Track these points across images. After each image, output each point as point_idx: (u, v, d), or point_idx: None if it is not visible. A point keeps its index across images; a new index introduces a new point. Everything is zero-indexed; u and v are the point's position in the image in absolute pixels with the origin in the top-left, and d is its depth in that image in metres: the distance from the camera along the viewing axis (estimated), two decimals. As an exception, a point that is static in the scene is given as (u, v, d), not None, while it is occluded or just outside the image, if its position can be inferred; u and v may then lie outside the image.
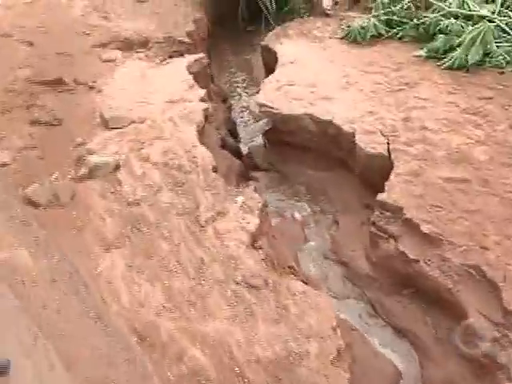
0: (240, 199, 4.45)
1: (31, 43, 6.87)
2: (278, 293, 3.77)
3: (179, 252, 3.98)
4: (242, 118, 7.77)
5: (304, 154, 5.83)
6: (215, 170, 4.87)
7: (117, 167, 4.81)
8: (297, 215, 5.41)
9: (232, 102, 7.98)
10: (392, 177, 4.68)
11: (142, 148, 5.06)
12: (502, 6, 6.69)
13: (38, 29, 7.25)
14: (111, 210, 4.32)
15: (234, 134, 7.02)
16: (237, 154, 6.40)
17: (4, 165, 4.77)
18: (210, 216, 4.26)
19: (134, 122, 5.49)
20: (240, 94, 8.45)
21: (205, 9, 8.63)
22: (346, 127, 5.33)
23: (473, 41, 6.06)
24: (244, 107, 8.04)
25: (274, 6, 9.63)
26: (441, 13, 6.72)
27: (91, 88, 6.16)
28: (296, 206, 5.61)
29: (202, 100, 5.95)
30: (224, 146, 6.15)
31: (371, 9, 7.76)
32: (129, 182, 4.64)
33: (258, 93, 6.27)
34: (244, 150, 6.71)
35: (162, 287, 3.73)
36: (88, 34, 7.28)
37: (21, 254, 3.65)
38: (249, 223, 4.22)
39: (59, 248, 3.90)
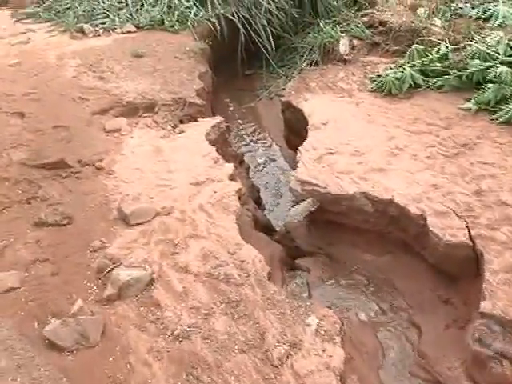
0: (313, 321, 3.59)
1: (22, 114, 6.03)
2: None
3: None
4: (259, 178, 7.01)
5: (357, 235, 5.00)
6: (270, 275, 4.03)
7: (150, 282, 3.94)
8: (363, 316, 4.54)
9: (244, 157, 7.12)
10: (488, 276, 3.85)
11: (175, 252, 4.20)
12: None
13: (29, 96, 6.43)
14: (156, 349, 3.43)
15: (258, 201, 6.19)
16: (268, 229, 5.55)
17: (11, 290, 3.87)
18: (282, 351, 3.38)
19: (158, 214, 4.63)
20: (254, 150, 7.66)
21: (208, 59, 7.81)
22: (412, 208, 4.52)
23: (538, 94, 5.33)
24: (259, 164, 7.30)
25: (273, 46, 8.89)
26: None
27: (99, 169, 5.31)
28: (359, 301, 4.72)
29: (232, 178, 5.12)
30: (256, 223, 5.31)
31: (393, 53, 7.11)
32: (169, 303, 3.77)
33: (294, 168, 5.43)
34: (272, 220, 5.93)
35: None
36: (85, 98, 6.45)
37: None
38: (332, 357, 3.36)
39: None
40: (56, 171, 5.19)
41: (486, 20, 7.12)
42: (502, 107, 5.57)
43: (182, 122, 6.17)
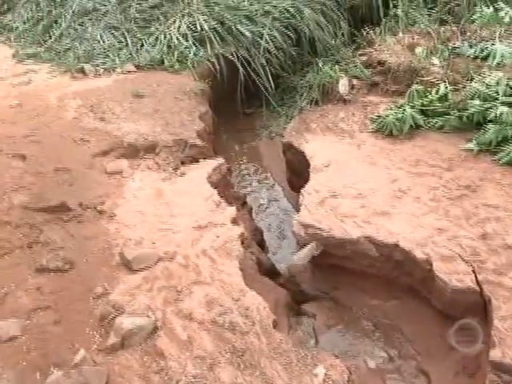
0: (320, 371, 3.53)
1: (23, 157, 6.02)
2: None
3: None
4: (262, 219, 7.01)
5: (363, 280, 4.96)
6: (275, 323, 3.97)
7: (154, 330, 3.88)
8: (371, 363, 4.47)
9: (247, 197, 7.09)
10: (496, 322, 3.80)
11: (179, 299, 4.15)
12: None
13: (29, 138, 6.42)
14: (161, 401, 3.37)
15: (261, 244, 6.15)
16: (272, 272, 5.50)
17: (13, 339, 3.81)
18: (290, 403, 3.33)
19: (161, 259, 4.60)
20: (256, 190, 7.66)
21: (208, 99, 7.81)
22: (418, 252, 4.49)
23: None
24: (262, 205, 7.31)
25: (272, 85, 8.91)
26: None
27: (100, 213, 5.28)
28: (367, 348, 4.65)
29: (234, 221, 5.09)
30: (259, 266, 5.27)
31: (393, 92, 7.10)
32: (173, 352, 3.71)
33: (297, 209, 5.41)
34: (276, 263, 5.88)
35: None
36: (86, 140, 6.44)
37: None
38: (341, 408, 3.31)
39: None
40: (57, 215, 5.16)
41: (484, 59, 7.12)
42: (504, 148, 5.56)
43: (183, 163, 6.14)
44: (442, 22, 8.67)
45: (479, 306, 4.13)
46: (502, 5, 8.30)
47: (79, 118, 6.88)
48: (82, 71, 8.41)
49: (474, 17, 8.24)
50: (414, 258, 4.49)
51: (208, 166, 5.96)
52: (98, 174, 5.87)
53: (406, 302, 4.77)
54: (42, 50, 9.41)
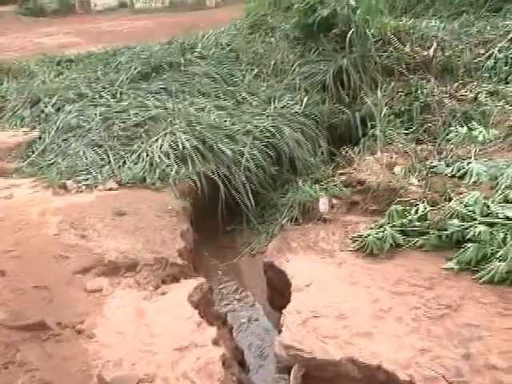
0: None
1: (3, 272, 5.98)
2: None
3: None
4: (243, 338, 6.94)
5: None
6: None
7: None
8: None
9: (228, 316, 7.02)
10: None
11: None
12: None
13: (10, 253, 6.40)
14: None
15: (242, 363, 6.06)
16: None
17: None
18: None
19: (141, 381, 4.51)
20: (237, 309, 7.66)
21: (189, 217, 7.88)
22: (401, 374, 4.47)
23: (519, 254, 5.41)
24: (243, 323, 7.27)
25: (253, 203, 9.02)
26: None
27: (79, 332, 5.21)
28: None
29: (215, 342, 5.03)
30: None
31: (373, 212, 7.22)
32: None
33: (278, 329, 5.38)
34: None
35: None
36: (66, 257, 6.42)
37: None
38: None
39: None
40: (35, 333, 5.09)
41: (461, 177, 7.32)
42: (484, 266, 5.63)
43: (164, 282, 6.12)
44: (419, 142, 8.97)
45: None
46: (475, 124, 8.62)
47: (60, 234, 6.88)
48: (64, 187, 8.48)
49: (449, 136, 8.53)
50: (398, 379, 4.46)
51: (189, 285, 5.96)
52: (77, 292, 5.83)
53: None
54: (25, 164, 9.50)
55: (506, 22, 13.20)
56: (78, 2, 35.36)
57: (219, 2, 30.58)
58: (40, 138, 10.37)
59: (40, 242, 6.71)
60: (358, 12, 11.78)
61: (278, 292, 6.39)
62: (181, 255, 6.58)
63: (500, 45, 12.01)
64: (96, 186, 8.54)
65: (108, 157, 9.28)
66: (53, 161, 9.49)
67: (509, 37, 12.26)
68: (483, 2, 15.31)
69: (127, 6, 33.35)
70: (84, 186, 8.55)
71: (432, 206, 6.52)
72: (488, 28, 13.31)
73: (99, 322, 5.31)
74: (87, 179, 8.74)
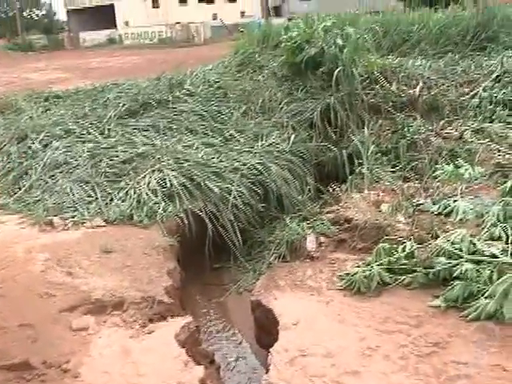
0: None
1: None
2: None
3: None
4: (230, 378, 6.88)
5: None
6: None
7: None
8: None
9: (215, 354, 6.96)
10: None
11: None
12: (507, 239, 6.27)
13: (-5, 289, 6.31)
14: None
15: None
16: None
17: None
18: None
19: (128, 423, 4.44)
20: (224, 347, 7.58)
21: (176, 254, 7.87)
22: (389, 413, 4.39)
23: (505, 292, 5.41)
24: (230, 362, 7.19)
25: (240, 240, 9.02)
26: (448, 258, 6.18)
27: (65, 371, 5.15)
28: None
29: (202, 382, 5.01)
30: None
31: (360, 249, 7.25)
32: None
33: (266, 368, 5.35)
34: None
35: None
36: (52, 295, 6.39)
37: None
38: None
39: None
40: (20, 373, 5.05)
41: (447, 215, 7.38)
42: (471, 304, 5.63)
43: (151, 320, 6.07)
44: (406, 179, 9.04)
45: None
46: (461, 162, 8.71)
47: (46, 272, 6.86)
48: (51, 224, 8.46)
49: (435, 173, 8.62)
50: (386, 419, 4.41)
51: (176, 323, 5.92)
52: (63, 331, 5.78)
53: None
54: (11, 200, 9.47)
55: (491, 62, 13.45)
56: (67, 37, 35.72)
57: (207, 38, 30.91)
58: (27, 173, 10.32)
59: (26, 279, 6.68)
60: (345, 51, 11.96)
61: (266, 330, 6.36)
62: (168, 293, 6.54)
63: (484, 84, 12.24)
64: (83, 223, 8.52)
65: (95, 193, 9.28)
66: (40, 197, 9.47)
67: (493, 76, 12.51)
68: (468, 41, 15.61)
69: (116, 42, 33.63)
70: (71, 223, 8.53)
71: (419, 244, 6.54)
72: (473, 67, 13.57)
73: (85, 361, 5.26)
74: (74, 216, 8.72)
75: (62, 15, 77.21)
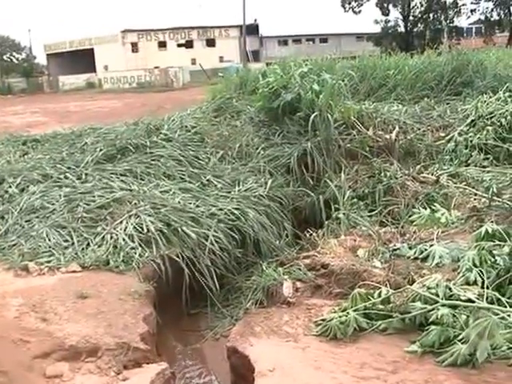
0: None
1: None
2: None
3: None
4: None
5: None
6: None
7: None
8: None
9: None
10: None
11: None
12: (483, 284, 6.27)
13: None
14: None
15: None
16: None
17: None
18: None
19: None
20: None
21: (152, 300, 7.81)
22: None
23: (479, 336, 5.43)
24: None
25: (217, 286, 8.99)
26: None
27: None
28: None
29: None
30: None
31: (336, 295, 7.26)
32: None
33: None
34: None
35: None
36: (26, 341, 6.30)
37: None
38: None
39: None
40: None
41: (424, 260, 7.44)
42: (447, 349, 5.65)
43: (126, 367, 6.02)
44: (382, 224, 9.10)
45: None
46: (438, 206, 8.80)
47: (20, 318, 6.78)
48: (26, 269, 8.38)
49: (412, 218, 8.70)
50: None
51: (151, 370, 5.87)
52: (37, 378, 5.73)
53: None
54: (-14, 245, 9.38)
55: (466, 106, 13.69)
56: (47, 81, 35.83)
57: (186, 83, 31.17)
58: (3, 218, 10.25)
59: (-1, 325, 6.58)
60: (321, 96, 12.10)
61: (242, 377, 6.32)
62: (143, 340, 6.49)
63: (460, 128, 12.43)
64: (58, 269, 8.44)
65: (72, 238, 9.22)
66: (15, 242, 9.38)
67: (468, 120, 12.71)
68: (443, 86, 15.92)
69: (95, 86, 33.80)
70: (46, 268, 8.44)
71: (395, 289, 6.55)
72: (448, 112, 13.82)
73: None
74: (50, 261, 8.64)
75: (41, 59, 77.88)
